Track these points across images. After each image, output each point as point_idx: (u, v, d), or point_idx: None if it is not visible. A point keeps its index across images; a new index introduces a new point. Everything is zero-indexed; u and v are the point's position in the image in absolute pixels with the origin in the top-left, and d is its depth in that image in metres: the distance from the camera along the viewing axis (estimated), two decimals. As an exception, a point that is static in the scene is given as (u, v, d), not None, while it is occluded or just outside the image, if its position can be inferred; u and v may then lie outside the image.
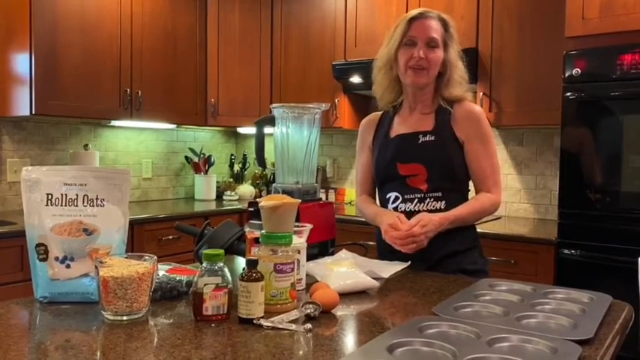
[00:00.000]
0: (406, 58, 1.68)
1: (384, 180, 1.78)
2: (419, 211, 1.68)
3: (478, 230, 1.81)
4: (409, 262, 1.61)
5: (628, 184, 2.37)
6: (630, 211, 2.34)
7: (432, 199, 1.68)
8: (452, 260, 1.65)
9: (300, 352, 0.95)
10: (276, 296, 1.15)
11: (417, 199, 1.69)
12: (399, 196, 1.72)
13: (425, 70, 1.68)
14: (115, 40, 3.20)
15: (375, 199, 1.90)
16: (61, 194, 1.23)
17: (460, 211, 1.66)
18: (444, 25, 1.71)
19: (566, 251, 2.47)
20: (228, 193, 4.03)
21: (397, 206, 1.72)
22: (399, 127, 1.79)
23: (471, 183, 1.77)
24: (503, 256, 2.62)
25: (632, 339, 1.27)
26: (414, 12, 1.71)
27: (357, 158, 1.95)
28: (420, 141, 1.71)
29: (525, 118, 2.94)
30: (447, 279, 1.50)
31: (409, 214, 1.68)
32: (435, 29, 1.68)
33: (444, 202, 1.68)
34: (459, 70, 1.73)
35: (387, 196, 1.75)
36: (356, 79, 3.40)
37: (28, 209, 1.23)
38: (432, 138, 1.70)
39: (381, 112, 1.88)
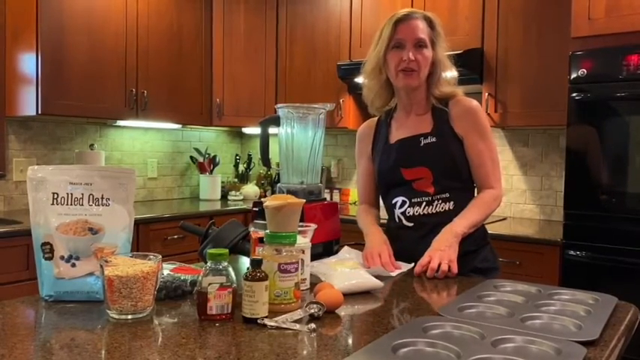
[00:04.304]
0: (396, 61, 1.66)
1: (388, 186, 1.76)
2: (428, 214, 1.66)
3: (483, 231, 1.80)
4: (414, 264, 1.61)
5: (634, 185, 2.36)
6: (636, 212, 2.33)
7: (440, 201, 1.66)
8: (463, 260, 1.64)
9: (304, 352, 0.95)
10: (280, 296, 1.15)
11: (424, 203, 1.67)
12: (406, 200, 1.69)
13: (415, 72, 1.66)
14: (120, 40, 3.21)
15: (376, 206, 1.89)
16: (67, 193, 1.24)
17: (472, 218, 1.63)
18: (430, 23, 1.69)
19: (572, 252, 2.46)
20: (233, 193, 4.04)
21: (405, 211, 1.70)
22: (398, 132, 1.77)
23: None
24: (509, 256, 2.61)
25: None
26: (399, 14, 1.69)
27: (357, 167, 1.93)
28: (422, 143, 1.69)
29: (531, 119, 2.93)
30: (452, 279, 1.50)
31: (418, 218, 1.67)
32: (422, 29, 1.66)
33: (452, 202, 1.66)
34: (448, 67, 1.71)
35: (394, 202, 1.73)
36: (361, 79, 3.39)
37: (33, 208, 1.23)
38: (434, 139, 1.68)
39: (377, 118, 1.86)
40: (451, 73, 1.74)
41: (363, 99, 1.85)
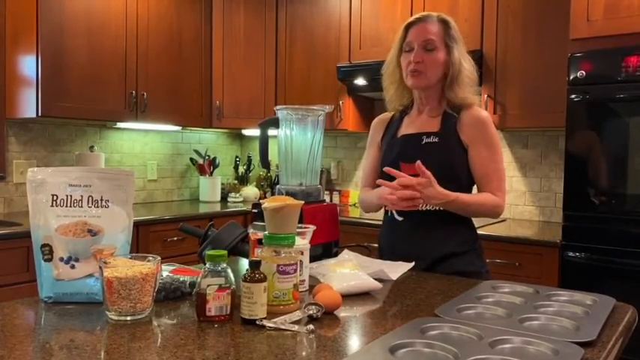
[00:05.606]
0: (405, 63, 1.73)
1: (388, 179, 1.77)
2: (418, 211, 1.66)
3: (482, 232, 1.81)
4: (413, 263, 1.61)
5: (633, 186, 2.36)
6: (635, 213, 2.33)
7: None
8: (448, 262, 1.66)
9: (303, 353, 0.96)
10: (279, 297, 1.15)
11: None
12: None
13: (423, 74, 1.69)
14: (120, 42, 3.22)
15: None
16: (66, 195, 1.24)
17: (464, 195, 1.63)
18: (445, 26, 1.71)
19: (571, 254, 2.46)
20: (233, 194, 4.04)
21: None
22: (407, 128, 1.81)
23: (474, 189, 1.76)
24: (508, 258, 2.61)
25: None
26: (412, 18, 1.75)
27: (365, 153, 1.97)
28: (424, 142, 1.71)
29: (530, 121, 2.93)
30: (450, 280, 1.50)
31: (408, 213, 1.68)
32: (432, 32, 1.69)
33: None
34: (465, 71, 1.72)
35: None
36: (360, 81, 3.41)
37: (33, 210, 1.24)
38: (436, 140, 1.70)
39: (393, 112, 1.90)
40: (470, 76, 1.73)
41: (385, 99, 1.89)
